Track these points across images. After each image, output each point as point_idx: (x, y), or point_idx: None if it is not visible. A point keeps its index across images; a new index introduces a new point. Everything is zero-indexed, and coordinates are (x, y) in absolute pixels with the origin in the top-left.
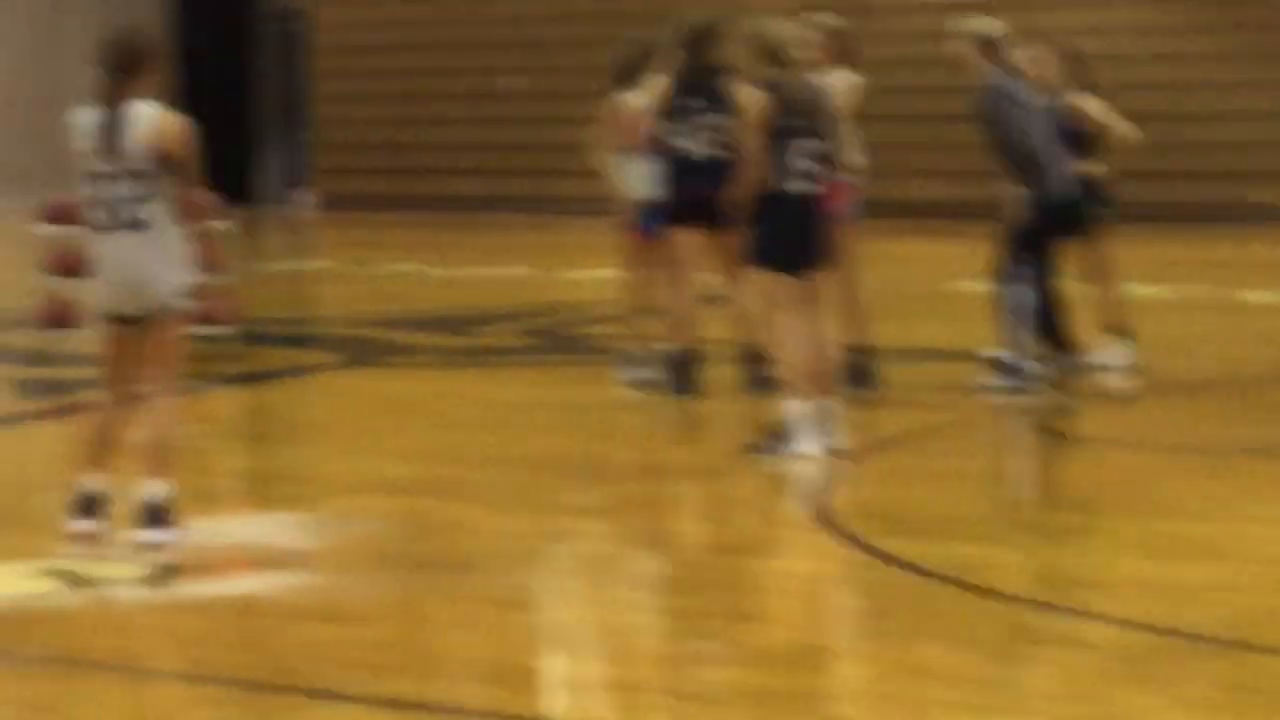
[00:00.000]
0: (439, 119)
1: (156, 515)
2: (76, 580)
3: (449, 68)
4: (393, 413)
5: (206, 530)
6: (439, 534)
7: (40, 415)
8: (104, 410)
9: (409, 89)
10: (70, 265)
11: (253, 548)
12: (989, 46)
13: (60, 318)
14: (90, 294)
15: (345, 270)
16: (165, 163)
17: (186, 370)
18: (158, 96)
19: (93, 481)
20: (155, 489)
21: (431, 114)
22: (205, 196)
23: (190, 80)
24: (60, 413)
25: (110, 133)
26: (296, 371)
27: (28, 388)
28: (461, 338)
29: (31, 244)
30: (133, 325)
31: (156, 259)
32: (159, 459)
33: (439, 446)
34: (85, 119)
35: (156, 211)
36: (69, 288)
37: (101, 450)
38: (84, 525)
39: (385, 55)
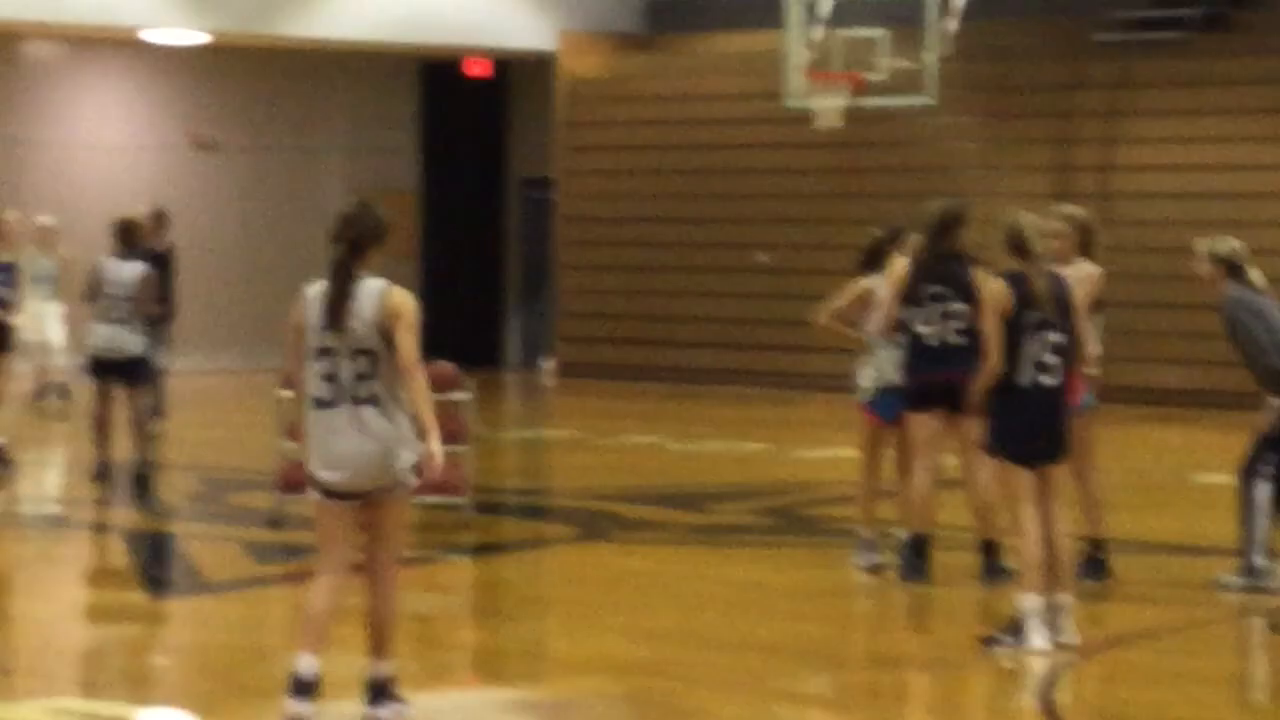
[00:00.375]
0: (681, 290)
1: (381, 691)
2: None
3: (691, 241)
4: (625, 590)
5: (433, 706)
6: (667, 718)
7: (272, 580)
8: (322, 587)
9: (651, 260)
10: None
11: None
12: (1228, 264)
13: (296, 482)
14: (312, 467)
15: (584, 440)
16: (392, 338)
17: (420, 540)
18: (383, 269)
19: (308, 663)
20: (381, 667)
21: (673, 285)
22: (446, 367)
23: (440, 243)
24: (292, 578)
25: (339, 308)
26: (530, 544)
27: (262, 552)
28: (696, 514)
29: (272, 407)
30: (352, 499)
31: (382, 435)
32: (384, 635)
33: (670, 627)
34: (315, 292)
35: (383, 387)
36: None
37: (319, 628)
38: (299, 707)
39: (629, 226)
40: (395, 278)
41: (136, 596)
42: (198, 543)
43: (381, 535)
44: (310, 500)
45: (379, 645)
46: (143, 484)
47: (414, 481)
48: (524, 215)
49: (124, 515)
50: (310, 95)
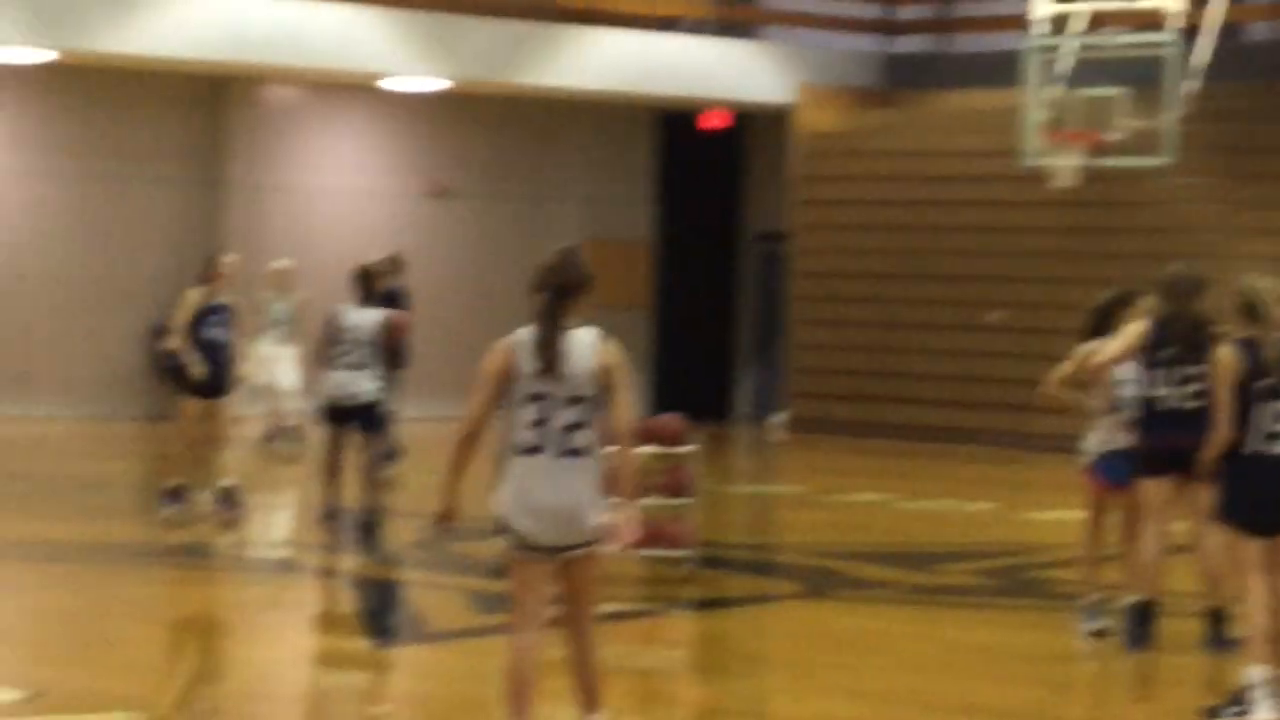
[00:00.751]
0: (913, 347)
1: None
2: None
3: (925, 298)
4: (847, 649)
5: None
6: None
7: (494, 630)
8: (520, 649)
9: (884, 316)
10: None
11: None
12: None
13: None
14: (509, 516)
15: (811, 496)
16: (607, 388)
17: (643, 593)
18: (614, 320)
19: None
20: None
21: (905, 342)
22: (673, 420)
23: (673, 294)
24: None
25: (553, 354)
26: (753, 600)
27: (485, 601)
28: (921, 573)
29: (496, 456)
30: (548, 552)
31: (588, 488)
32: (593, 688)
33: (891, 688)
34: (524, 338)
35: (592, 439)
36: None
37: (525, 695)
38: None
39: (862, 282)
40: (627, 328)
41: (359, 644)
42: (421, 590)
43: (579, 591)
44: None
45: (590, 699)
46: (369, 530)
47: (606, 542)
48: (757, 269)
49: (350, 561)
50: (546, 144)
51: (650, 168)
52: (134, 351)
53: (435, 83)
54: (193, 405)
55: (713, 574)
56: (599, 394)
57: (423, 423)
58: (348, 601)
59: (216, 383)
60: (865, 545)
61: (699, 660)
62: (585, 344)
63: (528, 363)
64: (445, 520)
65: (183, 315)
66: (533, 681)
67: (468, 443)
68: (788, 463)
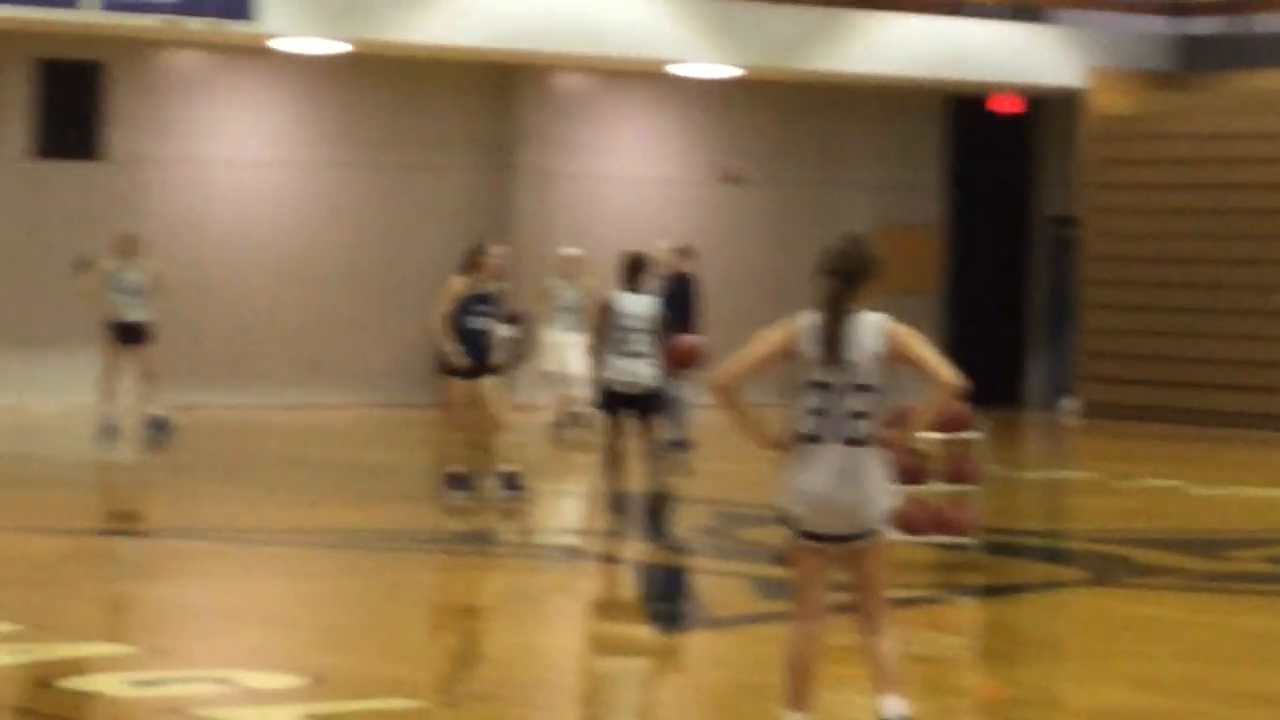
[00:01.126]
0: (1205, 332)
1: None
2: None
3: (1218, 282)
4: (1135, 637)
5: None
6: None
7: (778, 617)
8: (800, 638)
9: (1176, 301)
10: None
11: None
12: None
13: None
14: (789, 504)
15: (1103, 482)
16: (888, 376)
17: (927, 580)
18: (905, 305)
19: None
20: (894, 705)
21: (1198, 327)
22: (958, 406)
23: (963, 279)
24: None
25: (836, 343)
26: (1038, 587)
27: (769, 588)
28: (1211, 560)
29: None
30: (830, 541)
31: (872, 477)
32: (892, 675)
33: (1180, 677)
34: (809, 324)
35: (874, 428)
36: None
37: (804, 684)
38: None
39: (1154, 266)
40: (918, 313)
41: (643, 631)
42: (705, 577)
43: (867, 580)
44: (788, 538)
45: (886, 684)
46: (655, 517)
47: (889, 530)
48: (1049, 253)
49: (634, 548)
50: (836, 130)
51: (940, 153)
52: (423, 339)
53: (726, 69)
54: (458, 389)
55: (999, 560)
56: (883, 381)
57: (715, 410)
58: (631, 588)
59: (481, 370)
60: (1155, 531)
61: (984, 647)
62: (870, 330)
63: (811, 349)
64: (779, 447)
65: (444, 303)
66: (812, 670)
67: (721, 394)
68: (1078, 448)
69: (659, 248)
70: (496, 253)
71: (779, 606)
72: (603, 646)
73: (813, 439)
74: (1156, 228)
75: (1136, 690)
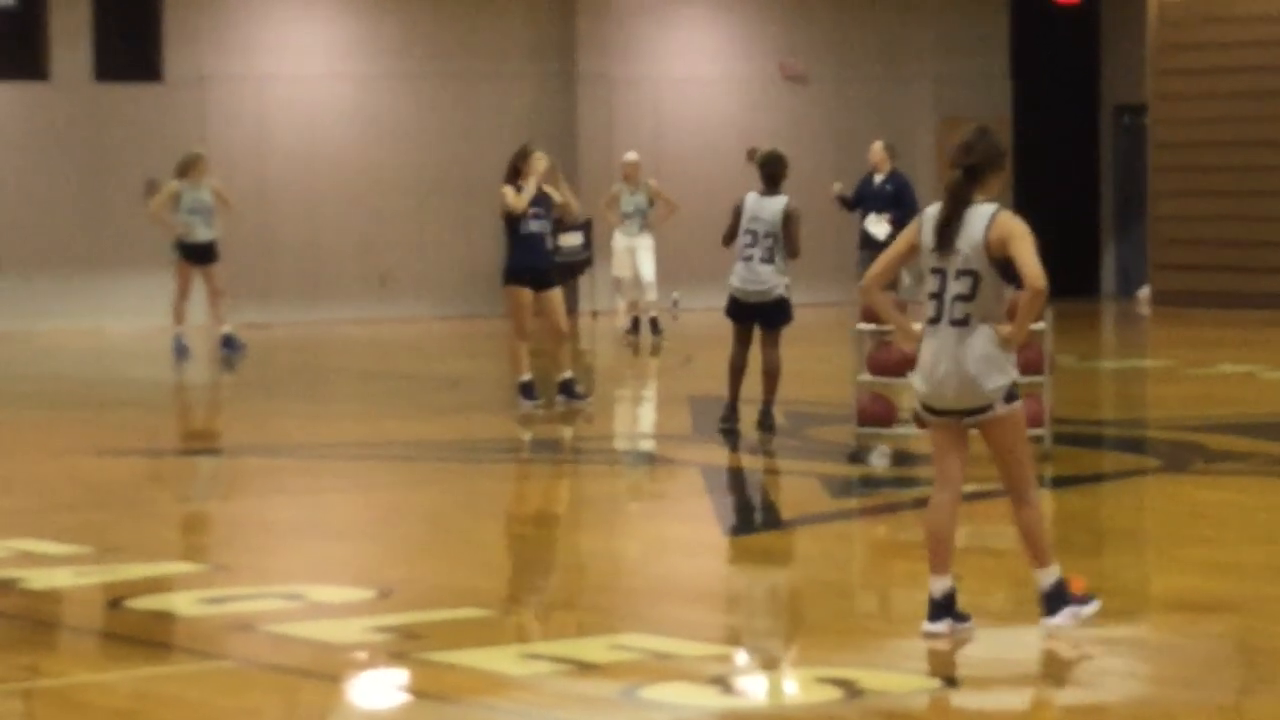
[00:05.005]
0: (1277, 216)
1: (1053, 598)
2: (854, 690)
3: None
4: (1208, 523)
5: (1014, 640)
6: (1263, 657)
7: (849, 515)
8: (935, 508)
9: (1247, 185)
10: (886, 363)
11: (1054, 661)
12: None
13: (875, 415)
14: (915, 381)
15: (1175, 369)
16: (1000, 261)
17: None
18: (1000, 195)
19: (938, 586)
20: (1043, 575)
21: (1270, 210)
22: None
23: (1033, 171)
24: (869, 513)
25: (949, 231)
26: (1109, 476)
27: (840, 487)
28: None
29: (851, 340)
30: (950, 416)
31: (970, 357)
32: (1037, 546)
33: (1252, 561)
34: (931, 213)
35: (979, 310)
36: (886, 386)
37: (943, 551)
38: (933, 628)
39: (1224, 151)
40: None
41: (713, 532)
42: (778, 477)
43: (1000, 454)
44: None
45: (1035, 557)
46: (767, 423)
47: (1003, 408)
48: (1118, 142)
49: (707, 451)
50: (899, 24)
51: (1005, 43)
52: (491, 249)
53: None
54: (523, 296)
55: (1072, 451)
56: (995, 265)
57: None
58: (706, 492)
59: (542, 276)
60: (1229, 417)
61: (1058, 538)
62: (980, 219)
63: (928, 238)
64: (911, 340)
65: (504, 209)
66: (946, 537)
67: (867, 294)
68: (1152, 337)
69: (876, 147)
70: (539, 158)
71: (850, 504)
72: (675, 550)
73: (931, 320)
74: (1225, 112)
75: (1208, 575)
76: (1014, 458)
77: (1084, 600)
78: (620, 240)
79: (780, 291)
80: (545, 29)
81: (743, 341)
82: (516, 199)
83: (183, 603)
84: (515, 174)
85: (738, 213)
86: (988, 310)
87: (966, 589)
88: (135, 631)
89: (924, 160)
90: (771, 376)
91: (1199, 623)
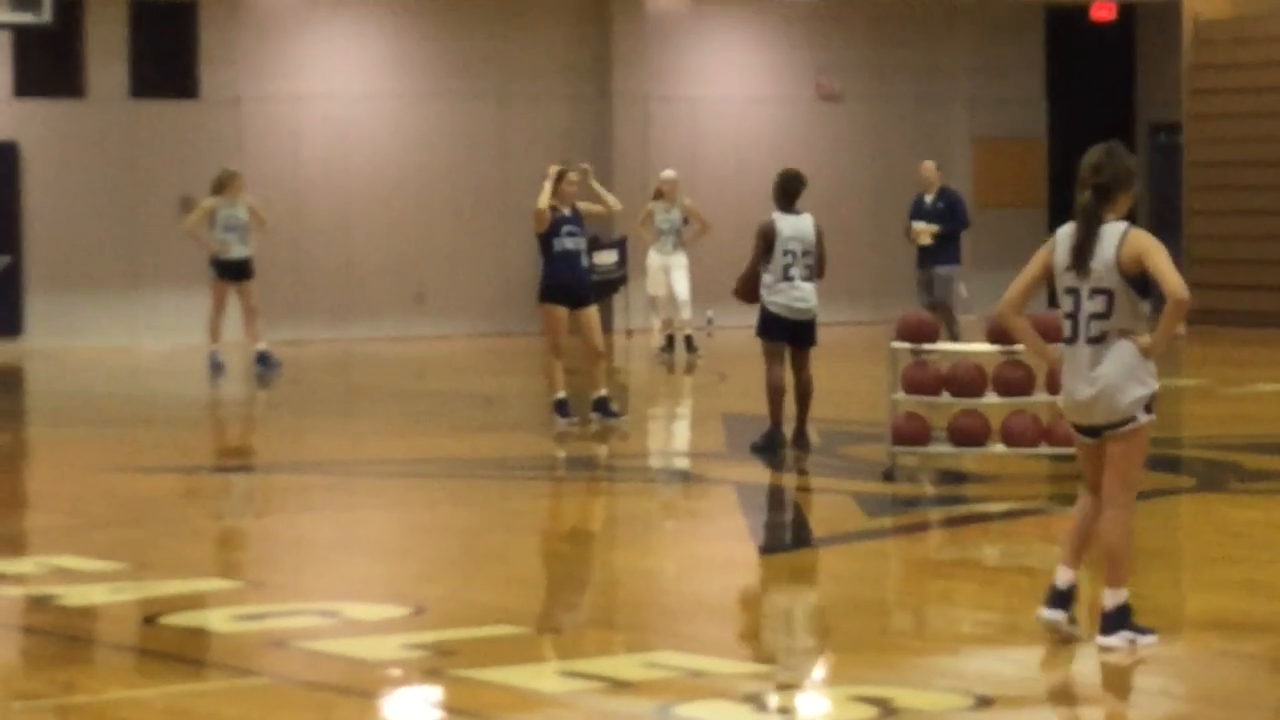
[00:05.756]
0: None
1: (1112, 620)
2: (889, 709)
3: None
4: (1241, 543)
5: (1046, 660)
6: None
7: (882, 534)
8: (1079, 508)
9: None
10: (922, 382)
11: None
12: None
13: (909, 434)
14: (1061, 401)
15: (1210, 389)
16: (1134, 278)
17: (1032, 491)
18: (1129, 215)
19: (1062, 576)
20: (1109, 596)
21: None
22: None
23: (1069, 191)
24: (902, 531)
25: (1083, 251)
26: (1148, 495)
27: (873, 505)
28: None
29: (887, 359)
30: (1092, 433)
31: (1107, 374)
32: (1111, 564)
33: None
34: (1064, 233)
35: (1115, 326)
36: (921, 404)
37: (1072, 544)
38: (1050, 615)
39: (1259, 170)
40: (1022, 226)
41: (747, 550)
42: (813, 495)
43: (1109, 464)
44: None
45: (1108, 574)
46: (801, 443)
47: (1145, 417)
48: (1152, 160)
49: (741, 469)
50: (934, 44)
51: (1040, 64)
52: (526, 267)
53: None
54: (557, 313)
55: None
56: (1128, 282)
57: (824, 328)
58: (740, 510)
59: (578, 294)
60: (1264, 437)
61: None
62: (1111, 237)
63: (1063, 257)
64: (1051, 359)
65: (535, 228)
66: (1082, 536)
67: (1004, 320)
68: (1186, 355)
69: (927, 166)
70: (573, 179)
71: (882, 523)
72: (710, 568)
73: (1068, 340)
74: (1259, 131)
75: (1247, 596)
76: (1127, 467)
77: (1144, 631)
78: (655, 258)
79: (816, 312)
80: (581, 48)
81: (782, 361)
82: (540, 203)
83: (218, 619)
84: (552, 191)
85: (769, 235)
86: (1124, 325)
87: (999, 607)
88: (170, 648)
89: (960, 180)
90: (807, 396)
91: (1234, 642)
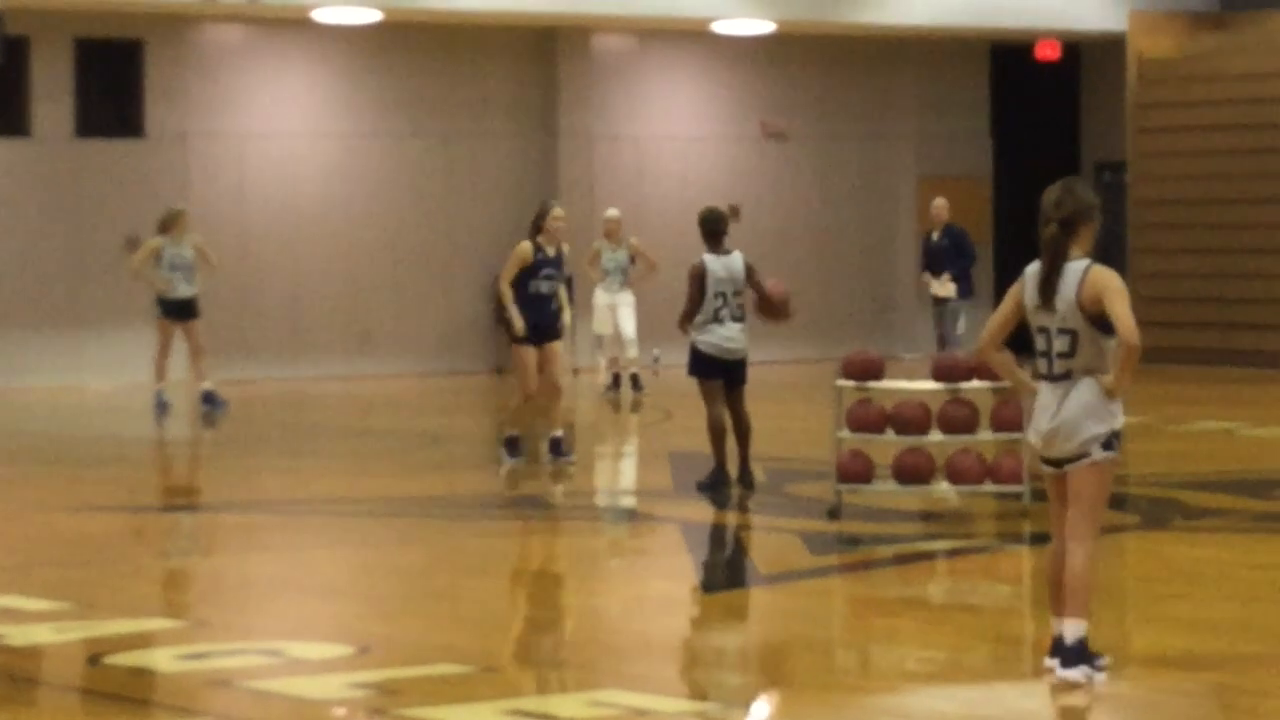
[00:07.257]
0: (1257, 273)
1: (1067, 651)
2: None
3: (1268, 223)
4: (1186, 580)
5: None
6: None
7: (827, 572)
8: (1049, 554)
9: (1226, 243)
10: (867, 420)
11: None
12: None
13: (854, 472)
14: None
15: (1154, 426)
16: (1095, 317)
17: (978, 529)
18: (1088, 251)
19: (1058, 624)
20: (1065, 627)
21: (1248, 268)
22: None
23: (1014, 228)
24: (848, 569)
25: (1049, 287)
26: None
27: (819, 543)
28: (1264, 501)
29: (832, 397)
30: (1057, 466)
31: (1077, 408)
32: (1068, 596)
33: (1230, 619)
34: (1031, 271)
35: (1080, 365)
36: (866, 442)
37: (1053, 592)
38: (1072, 674)
39: (1203, 209)
40: None
41: (690, 588)
42: (757, 534)
43: (1071, 498)
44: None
45: (1069, 605)
46: (746, 479)
47: (1102, 454)
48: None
49: (687, 507)
50: (879, 82)
51: (985, 102)
52: (473, 305)
53: (765, 25)
54: (527, 355)
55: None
56: (1090, 320)
57: (762, 367)
58: (685, 548)
59: (548, 333)
60: (1208, 474)
61: (1036, 595)
62: (1073, 276)
63: (1030, 296)
64: (1030, 392)
65: (512, 268)
66: (1056, 579)
67: (984, 357)
68: (1131, 393)
69: (938, 203)
70: (558, 215)
71: (828, 561)
72: (655, 606)
73: (1039, 376)
74: (1204, 169)
75: (1190, 633)
76: (1081, 501)
77: (1097, 656)
78: (601, 297)
79: (746, 351)
80: (527, 87)
81: (721, 399)
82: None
83: (162, 659)
84: (537, 230)
85: (701, 278)
86: (1089, 364)
87: (944, 645)
88: (115, 688)
89: (905, 218)
90: (747, 433)
91: (1178, 680)
